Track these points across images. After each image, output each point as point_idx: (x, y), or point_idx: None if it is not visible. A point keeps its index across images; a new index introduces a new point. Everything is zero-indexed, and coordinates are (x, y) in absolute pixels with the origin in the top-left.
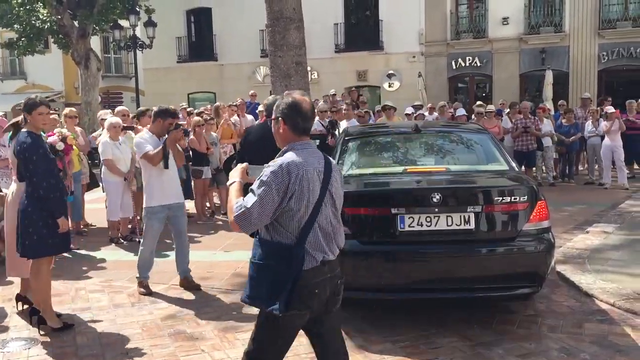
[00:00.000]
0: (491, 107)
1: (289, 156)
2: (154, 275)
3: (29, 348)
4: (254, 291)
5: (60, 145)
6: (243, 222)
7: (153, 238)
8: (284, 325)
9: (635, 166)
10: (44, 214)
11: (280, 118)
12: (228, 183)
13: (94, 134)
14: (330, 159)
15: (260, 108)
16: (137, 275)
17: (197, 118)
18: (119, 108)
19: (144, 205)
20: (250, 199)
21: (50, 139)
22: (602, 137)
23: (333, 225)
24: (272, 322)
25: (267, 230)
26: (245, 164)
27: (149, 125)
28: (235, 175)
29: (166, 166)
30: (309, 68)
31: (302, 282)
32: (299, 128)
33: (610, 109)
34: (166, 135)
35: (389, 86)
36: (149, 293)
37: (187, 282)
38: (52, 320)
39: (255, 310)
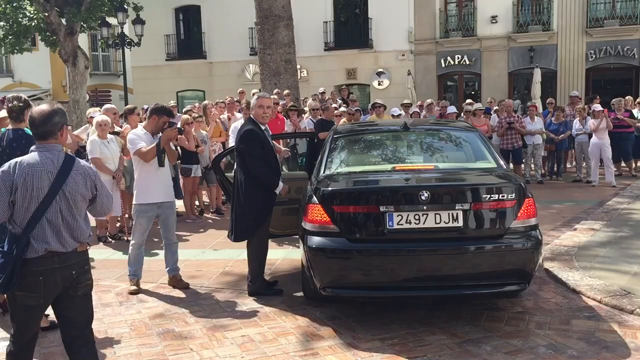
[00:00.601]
0: (479, 105)
1: (25, 157)
2: (142, 274)
3: None
4: None
5: None
6: None
7: (142, 235)
8: (19, 304)
9: (623, 164)
10: None
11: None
12: None
13: (76, 132)
14: (79, 162)
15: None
16: (128, 273)
17: (185, 116)
18: (107, 106)
19: (133, 202)
20: None
21: None
22: (590, 135)
23: (66, 221)
24: (10, 301)
25: (8, 221)
26: None
27: (144, 123)
28: None
29: (161, 164)
30: (298, 66)
31: (25, 268)
32: (36, 134)
33: (597, 107)
34: (160, 134)
35: (379, 84)
36: (138, 292)
37: (176, 281)
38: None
39: (244, 308)
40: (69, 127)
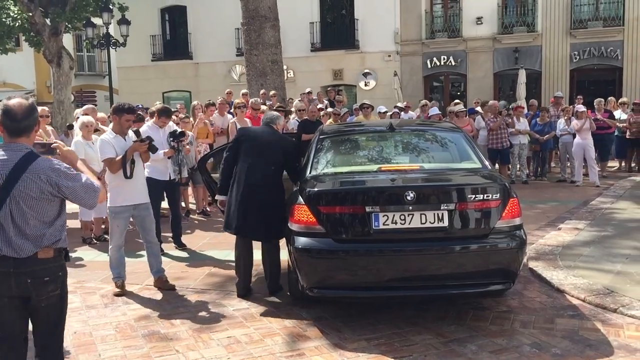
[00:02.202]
0: (460, 107)
1: None
2: (127, 276)
3: None
4: None
5: None
6: None
7: (119, 237)
8: None
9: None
10: None
11: None
12: None
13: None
14: (38, 163)
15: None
16: (112, 276)
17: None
18: (86, 106)
19: (107, 205)
20: None
21: None
22: (574, 136)
23: (18, 225)
24: None
25: None
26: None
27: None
28: None
29: (128, 176)
30: (284, 67)
31: None
32: (14, 129)
33: (580, 107)
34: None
35: (365, 85)
36: (123, 294)
37: (162, 282)
38: None
39: (230, 309)
40: (52, 129)
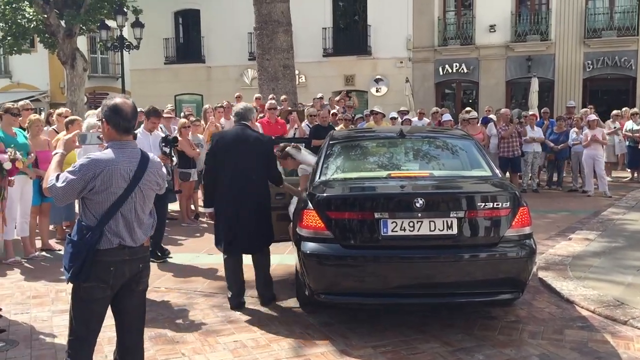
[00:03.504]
0: (474, 114)
1: (103, 153)
2: None
3: (7, 350)
4: (64, 262)
5: (7, 165)
6: (52, 194)
7: None
8: (83, 296)
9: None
10: None
11: (104, 120)
12: (53, 152)
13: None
14: (152, 159)
15: (232, 115)
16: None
17: (182, 120)
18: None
19: None
20: (61, 180)
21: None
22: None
23: (138, 217)
24: (75, 292)
25: (82, 212)
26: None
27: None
28: (60, 146)
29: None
30: (296, 72)
31: (97, 259)
32: (120, 128)
33: (592, 117)
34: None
35: (377, 91)
36: None
37: None
38: None
39: (237, 313)
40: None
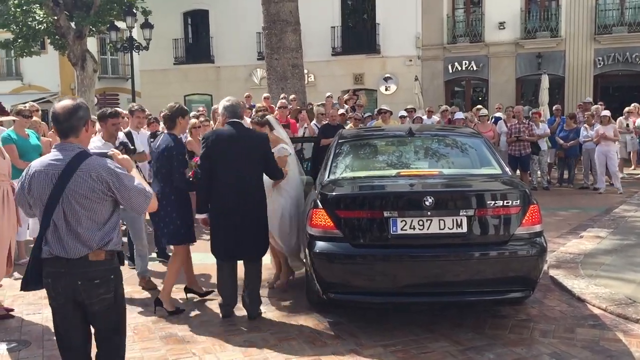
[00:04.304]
0: (484, 112)
1: (36, 160)
2: (143, 279)
3: (19, 350)
4: None
5: None
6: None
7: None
8: (51, 305)
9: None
10: None
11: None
12: None
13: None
14: (90, 162)
15: (221, 110)
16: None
17: (193, 120)
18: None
19: None
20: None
21: None
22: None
23: (70, 225)
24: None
25: None
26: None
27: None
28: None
29: None
30: (305, 71)
31: (41, 268)
32: (56, 130)
33: (606, 113)
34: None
35: (386, 89)
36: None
37: (145, 282)
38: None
39: (245, 314)
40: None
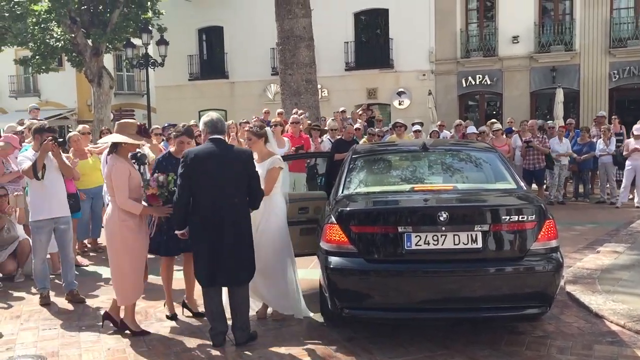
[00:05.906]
0: (498, 126)
1: None
2: (160, 294)
3: None
4: None
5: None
6: None
7: (42, 251)
8: None
9: None
10: None
11: None
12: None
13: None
14: None
15: (201, 126)
16: (37, 287)
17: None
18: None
19: (30, 220)
20: None
21: None
22: (613, 156)
23: None
24: None
25: None
26: None
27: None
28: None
29: (37, 177)
30: (319, 86)
31: None
32: None
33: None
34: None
35: (399, 104)
36: (47, 303)
37: (72, 296)
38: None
39: (261, 328)
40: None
